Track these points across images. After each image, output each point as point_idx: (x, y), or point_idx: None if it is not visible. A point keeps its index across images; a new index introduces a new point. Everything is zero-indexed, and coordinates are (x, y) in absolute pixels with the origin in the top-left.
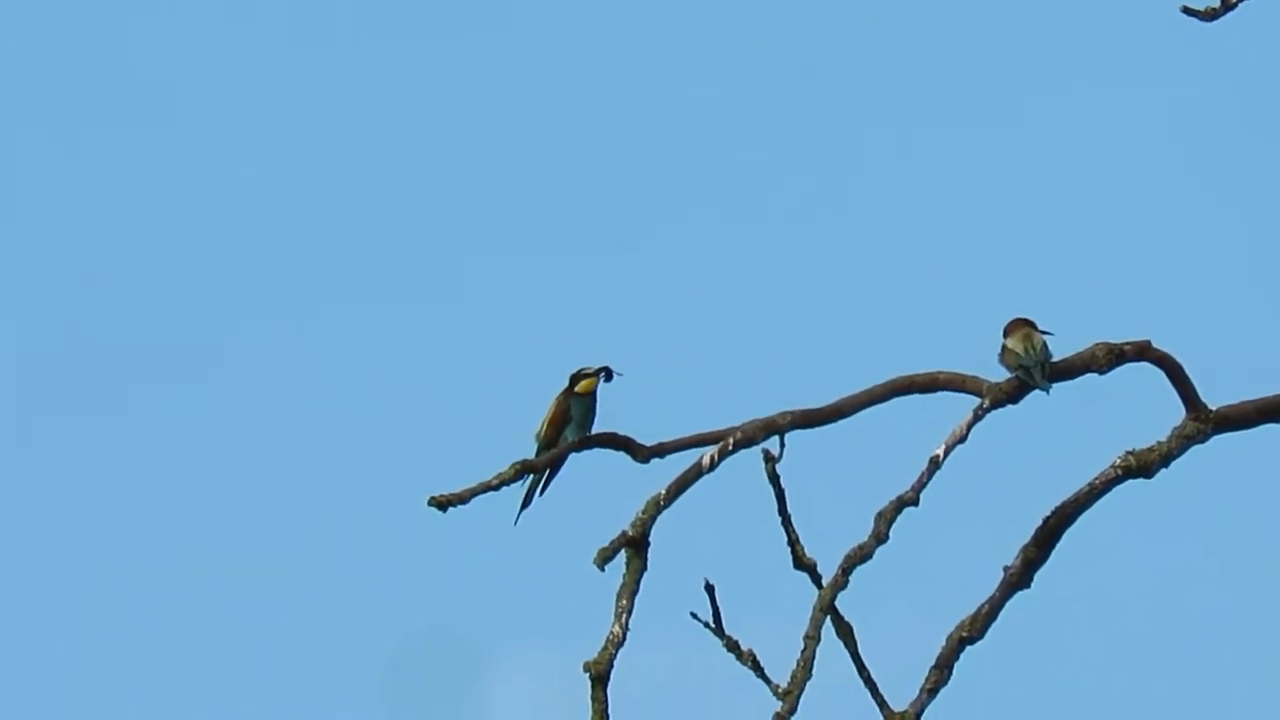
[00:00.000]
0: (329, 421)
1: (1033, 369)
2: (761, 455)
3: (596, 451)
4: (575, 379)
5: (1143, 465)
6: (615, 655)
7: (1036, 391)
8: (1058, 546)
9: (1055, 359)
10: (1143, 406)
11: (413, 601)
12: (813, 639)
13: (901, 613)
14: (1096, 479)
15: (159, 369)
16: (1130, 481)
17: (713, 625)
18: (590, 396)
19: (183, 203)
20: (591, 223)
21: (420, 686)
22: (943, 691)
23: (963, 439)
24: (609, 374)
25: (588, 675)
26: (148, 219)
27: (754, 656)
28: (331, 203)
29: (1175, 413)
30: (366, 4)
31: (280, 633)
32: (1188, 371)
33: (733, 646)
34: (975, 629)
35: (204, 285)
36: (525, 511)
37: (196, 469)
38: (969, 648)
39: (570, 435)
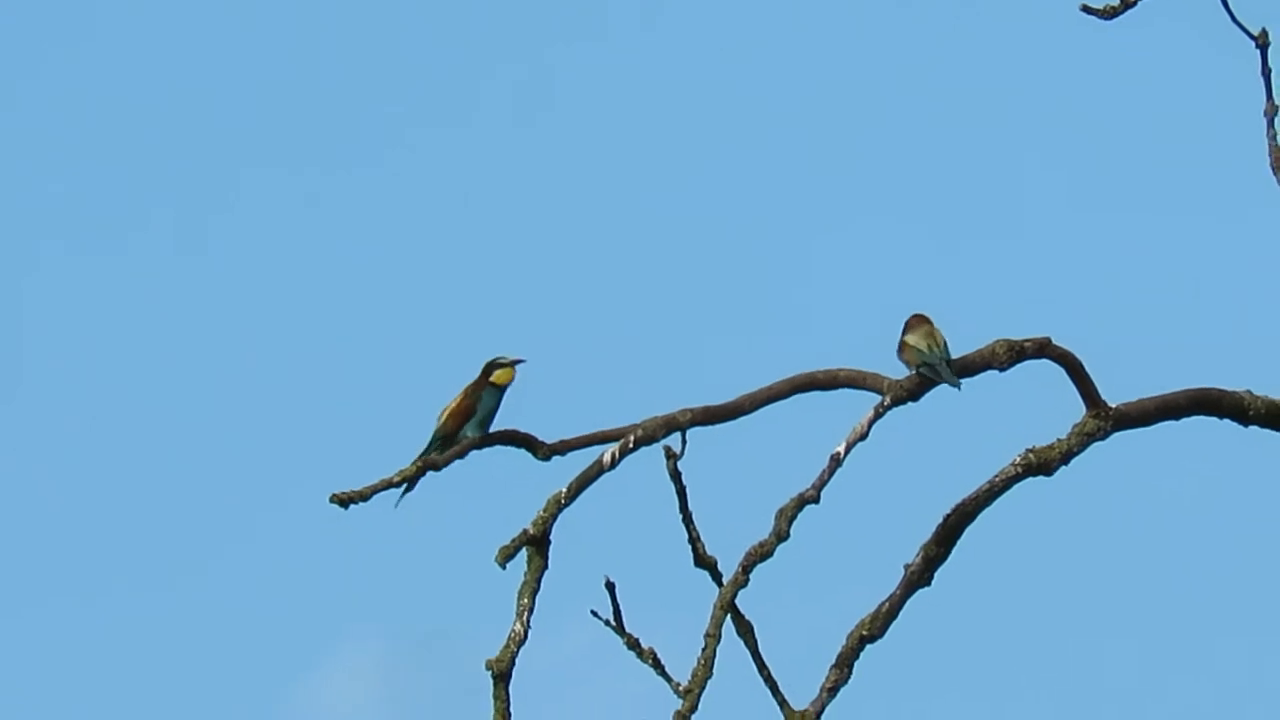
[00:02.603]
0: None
1: (938, 365)
2: (663, 452)
3: (497, 449)
4: (490, 368)
5: (1043, 463)
6: (517, 653)
7: (937, 389)
8: (959, 544)
9: (955, 356)
10: (1043, 404)
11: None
12: (713, 637)
13: (802, 611)
14: (997, 476)
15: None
16: (1031, 479)
17: (614, 623)
18: (502, 390)
19: None
20: (492, 213)
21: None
22: (843, 690)
23: (864, 436)
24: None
25: (490, 673)
26: None
27: (655, 654)
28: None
29: (1075, 410)
30: None
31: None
32: (1087, 369)
33: (633, 644)
34: (876, 627)
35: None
36: (407, 496)
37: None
38: (870, 646)
39: (470, 430)
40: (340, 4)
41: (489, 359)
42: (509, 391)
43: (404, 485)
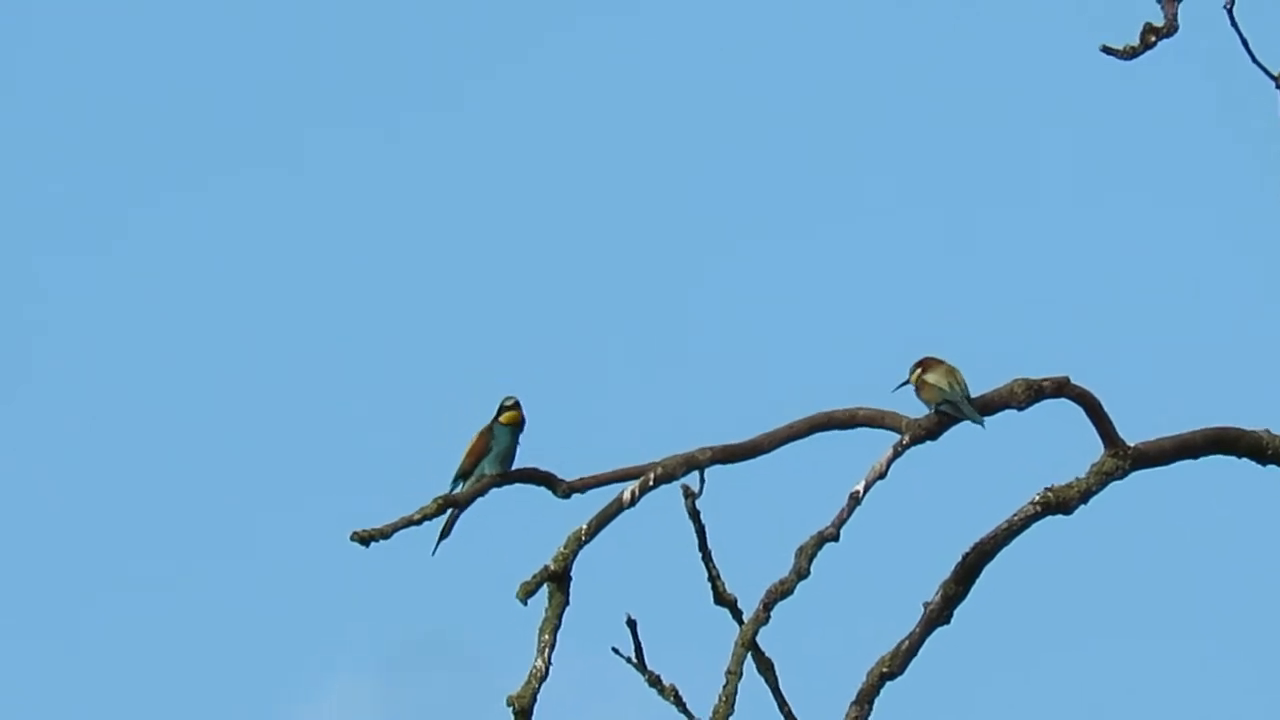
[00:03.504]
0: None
1: (960, 404)
2: (682, 491)
3: (518, 486)
4: (500, 409)
5: (1061, 502)
6: (538, 689)
7: (956, 427)
8: (978, 582)
9: (974, 395)
10: (1061, 443)
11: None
12: (734, 674)
13: (822, 648)
14: (1015, 515)
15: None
16: (1049, 518)
17: (635, 660)
18: (514, 428)
19: None
20: (510, 253)
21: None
22: None
23: (883, 475)
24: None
25: (511, 709)
26: None
27: (676, 691)
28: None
29: (1094, 449)
30: None
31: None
32: (1106, 408)
33: (655, 681)
34: (896, 665)
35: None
36: (444, 541)
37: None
38: (889, 683)
39: (488, 467)
40: (337, 2)
41: (501, 399)
42: (528, 429)
43: (429, 524)
